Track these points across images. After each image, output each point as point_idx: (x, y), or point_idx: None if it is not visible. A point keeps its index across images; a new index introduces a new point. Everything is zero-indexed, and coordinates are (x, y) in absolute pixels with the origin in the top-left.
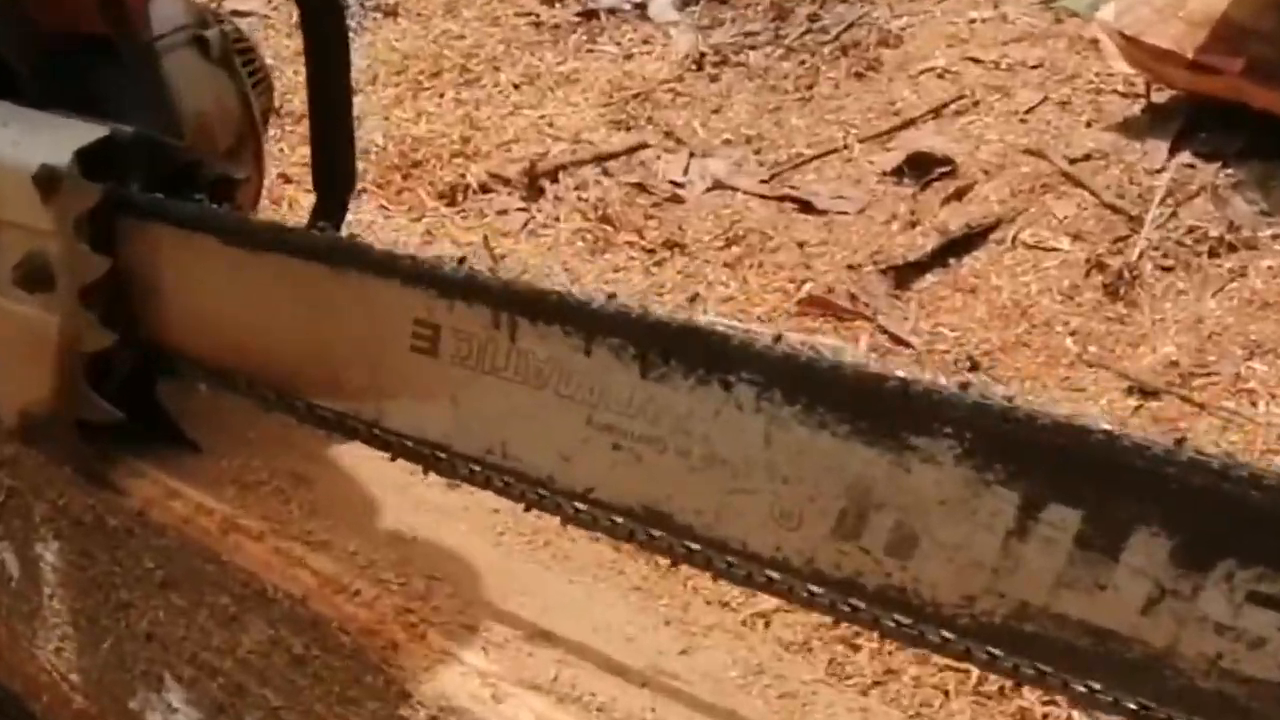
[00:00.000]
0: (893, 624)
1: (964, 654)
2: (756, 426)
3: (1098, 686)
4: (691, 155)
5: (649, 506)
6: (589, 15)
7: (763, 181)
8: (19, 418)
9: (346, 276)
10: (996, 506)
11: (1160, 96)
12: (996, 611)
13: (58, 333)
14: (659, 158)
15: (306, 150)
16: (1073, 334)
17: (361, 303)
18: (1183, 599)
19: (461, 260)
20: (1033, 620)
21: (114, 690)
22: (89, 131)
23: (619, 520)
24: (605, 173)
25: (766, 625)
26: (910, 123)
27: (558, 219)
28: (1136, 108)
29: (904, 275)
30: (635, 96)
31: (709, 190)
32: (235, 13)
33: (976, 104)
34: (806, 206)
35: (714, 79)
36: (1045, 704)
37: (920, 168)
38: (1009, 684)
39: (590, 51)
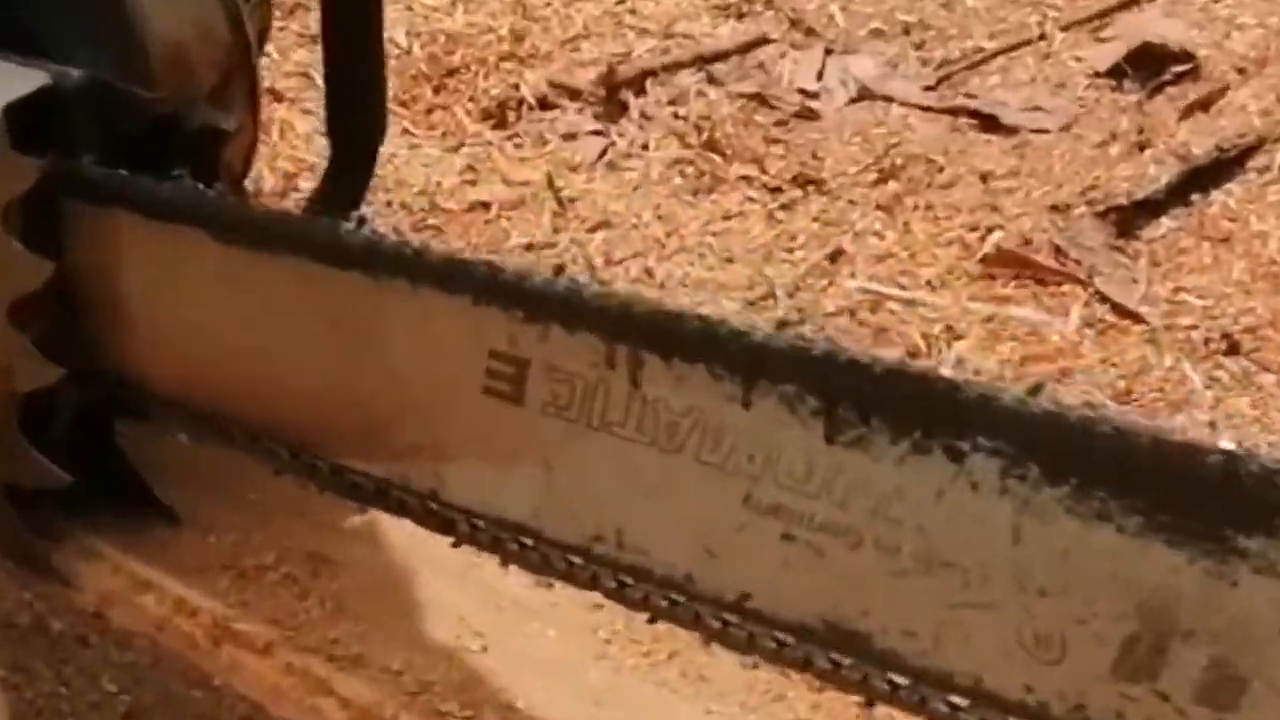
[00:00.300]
0: None
1: None
2: (1000, 515)
3: None
4: (828, 53)
5: (833, 623)
6: None
7: (927, 88)
8: None
9: (393, 290)
10: None
11: None
12: None
13: None
14: (783, 56)
15: (303, 55)
16: None
17: (415, 328)
18: None
19: (559, 270)
20: None
21: None
22: (21, 79)
23: (787, 640)
24: (710, 79)
25: None
26: (1132, 1)
27: (646, 146)
28: None
29: (1129, 219)
30: None
31: (853, 101)
32: None
33: None
34: (990, 123)
35: None
36: None
37: (1148, 66)
38: None
39: None
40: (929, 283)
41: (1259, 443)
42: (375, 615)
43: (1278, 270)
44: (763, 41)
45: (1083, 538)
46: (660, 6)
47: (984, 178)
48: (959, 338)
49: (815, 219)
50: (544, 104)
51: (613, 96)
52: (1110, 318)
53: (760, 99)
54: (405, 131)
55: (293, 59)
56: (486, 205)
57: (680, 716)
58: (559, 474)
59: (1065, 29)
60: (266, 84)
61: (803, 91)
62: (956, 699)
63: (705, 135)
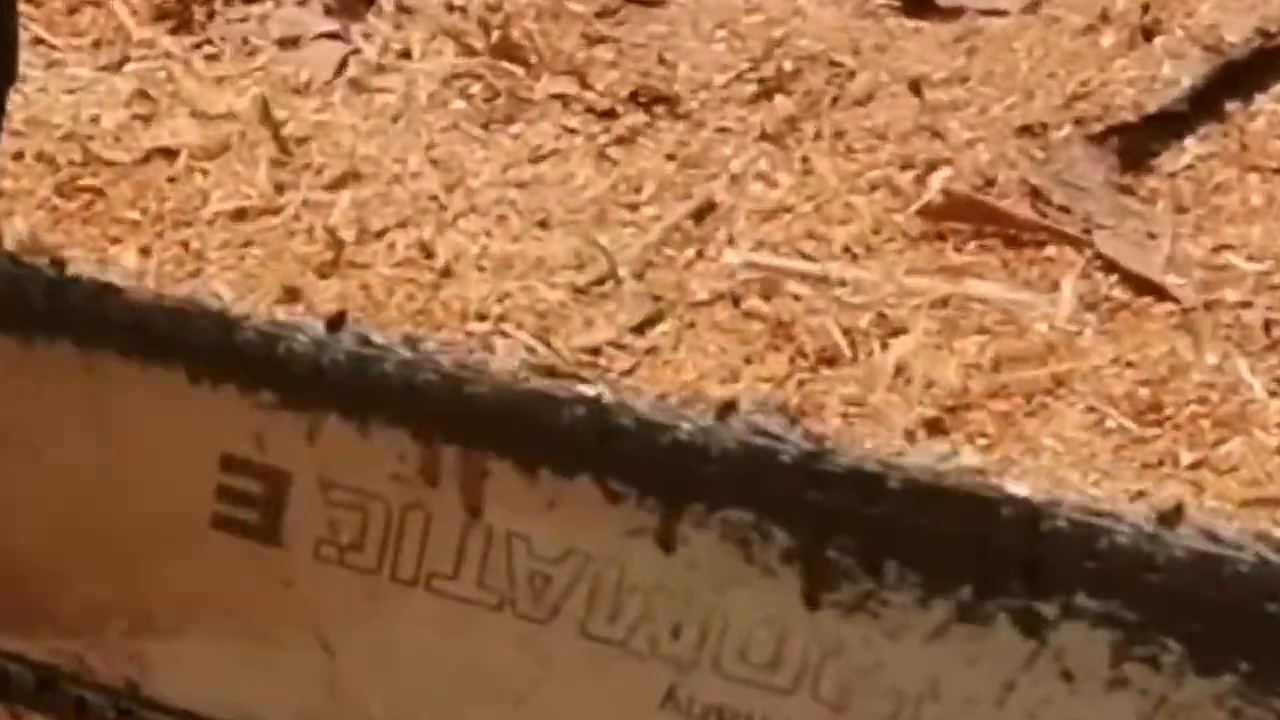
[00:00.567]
0: None
1: None
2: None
3: None
4: None
5: None
6: None
7: None
8: None
9: (50, 354)
10: None
11: None
12: None
13: None
14: None
15: None
16: None
17: (87, 419)
18: None
19: (337, 321)
20: None
21: None
22: None
23: None
24: None
25: None
26: None
27: (408, 53)
28: None
29: (1138, 144)
30: None
31: None
32: None
33: None
34: (920, 1)
35: None
36: None
37: None
38: None
39: None
40: (847, 249)
41: None
42: None
43: None
44: None
45: None
46: None
47: (916, 86)
48: (898, 332)
49: (669, 157)
50: None
51: None
52: (1120, 294)
53: None
54: (37, 40)
55: None
56: (170, 153)
57: None
58: (345, 661)
59: None
60: None
61: None
62: None
63: (497, 34)
